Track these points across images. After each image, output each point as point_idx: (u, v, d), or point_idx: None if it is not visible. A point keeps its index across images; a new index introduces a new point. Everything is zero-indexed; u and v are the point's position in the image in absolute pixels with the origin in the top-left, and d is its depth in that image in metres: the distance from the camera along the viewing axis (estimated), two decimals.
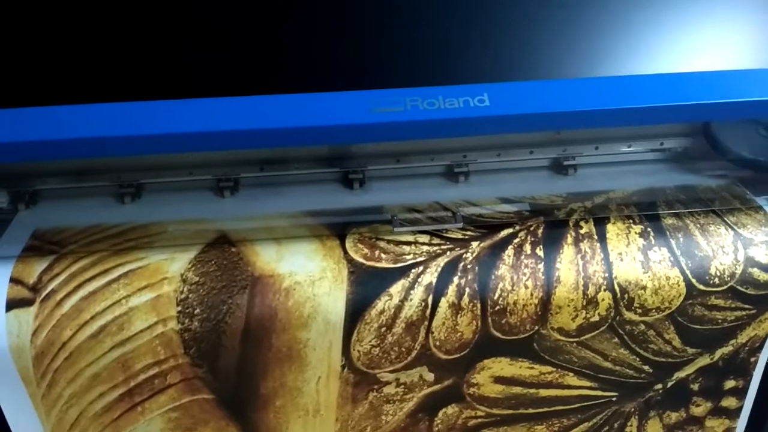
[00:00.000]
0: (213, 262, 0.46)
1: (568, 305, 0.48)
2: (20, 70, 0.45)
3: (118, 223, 0.49)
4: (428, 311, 0.47)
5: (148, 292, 0.44)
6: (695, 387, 0.55)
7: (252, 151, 0.53)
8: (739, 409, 0.57)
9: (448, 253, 0.47)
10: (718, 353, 0.53)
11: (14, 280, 0.44)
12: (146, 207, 0.51)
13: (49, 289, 0.44)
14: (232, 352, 0.45)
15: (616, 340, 0.51)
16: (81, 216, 0.50)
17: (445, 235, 0.48)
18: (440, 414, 0.52)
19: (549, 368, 0.51)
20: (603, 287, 0.48)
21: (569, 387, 0.52)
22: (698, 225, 0.51)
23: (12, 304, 0.44)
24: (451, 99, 0.45)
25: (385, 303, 0.46)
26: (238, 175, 0.52)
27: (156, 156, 0.51)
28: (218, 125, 0.43)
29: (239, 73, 0.46)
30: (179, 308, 0.44)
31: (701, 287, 0.49)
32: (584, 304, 0.48)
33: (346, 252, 0.47)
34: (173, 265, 0.45)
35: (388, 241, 0.48)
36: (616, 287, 0.48)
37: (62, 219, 0.49)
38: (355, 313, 0.46)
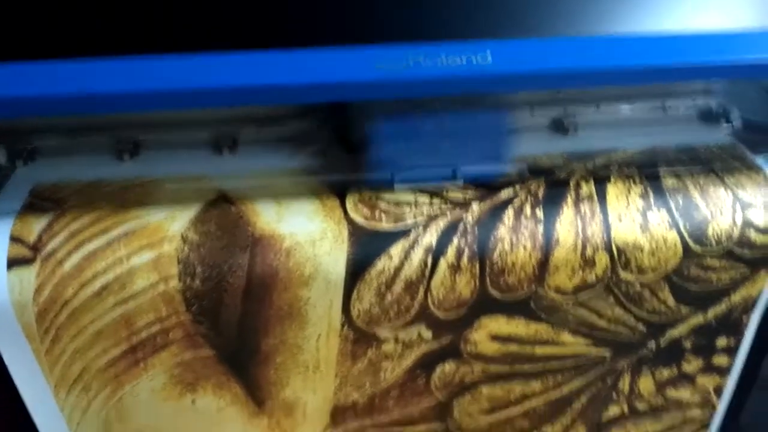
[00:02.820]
0: (213, 222, 0.47)
1: (566, 266, 0.50)
2: (16, 23, 0.44)
3: (116, 179, 0.50)
4: (427, 271, 0.48)
5: (148, 251, 0.45)
6: (688, 345, 0.57)
7: (251, 108, 0.53)
8: (730, 366, 0.59)
9: (448, 214, 0.48)
10: (711, 312, 0.55)
11: (14, 239, 0.45)
12: (145, 163, 0.52)
13: (49, 247, 0.45)
14: (233, 310, 0.47)
15: (612, 299, 0.52)
16: (80, 172, 0.50)
17: (445, 196, 0.49)
18: (438, 371, 0.54)
19: (545, 326, 0.53)
20: (601, 248, 0.49)
21: (564, 344, 0.54)
22: (698, 186, 0.52)
23: (13, 263, 0.45)
24: (454, 56, 0.45)
25: (384, 263, 0.47)
26: (237, 132, 0.53)
27: (155, 112, 0.51)
28: (219, 81, 0.43)
29: (241, 27, 0.46)
30: (180, 267, 0.46)
31: (698, 249, 0.51)
32: (581, 264, 0.50)
33: (346, 213, 0.48)
34: (173, 225, 0.46)
35: (389, 202, 0.49)
36: (614, 248, 0.50)
37: (61, 175, 0.50)
38: (356, 272, 0.47)
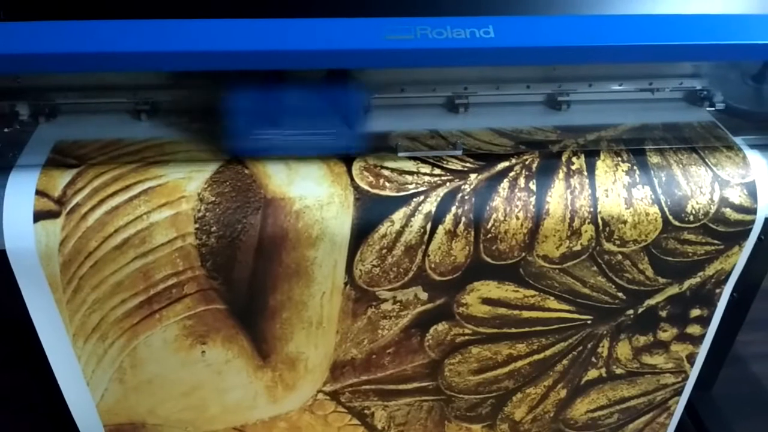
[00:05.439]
0: (228, 183, 0.52)
1: (554, 235, 0.55)
2: None
3: (134, 139, 0.54)
4: (426, 237, 0.54)
5: (167, 209, 0.50)
6: (663, 314, 0.63)
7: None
8: (703, 336, 0.65)
9: (447, 183, 0.54)
10: (687, 284, 0.61)
11: (39, 193, 0.50)
12: (161, 124, 0.56)
13: (73, 202, 0.50)
14: (245, 267, 0.52)
15: (595, 268, 0.58)
16: (99, 130, 0.55)
17: (445, 166, 0.55)
18: (431, 330, 0.60)
19: (532, 292, 0.59)
20: (587, 221, 0.55)
21: (549, 310, 0.60)
22: (681, 165, 0.57)
23: (39, 216, 0.49)
24: (459, 29, 0.50)
25: (387, 228, 0.53)
26: None
27: (170, 75, 0.56)
28: (238, 45, 0.47)
29: None
30: (197, 225, 0.51)
31: (676, 223, 0.57)
32: (568, 234, 0.56)
33: (352, 179, 0.53)
34: (190, 184, 0.51)
35: (392, 170, 0.54)
36: (600, 221, 0.55)
37: (81, 132, 0.54)
38: (360, 236, 0.53)
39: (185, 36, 0.47)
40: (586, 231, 0.56)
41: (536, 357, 0.63)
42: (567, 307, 0.61)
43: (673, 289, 0.61)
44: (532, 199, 0.54)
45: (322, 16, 0.49)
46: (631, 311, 0.62)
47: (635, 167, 0.57)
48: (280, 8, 0.49)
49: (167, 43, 0.47)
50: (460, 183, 0.54)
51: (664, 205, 0.56)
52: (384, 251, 0.54)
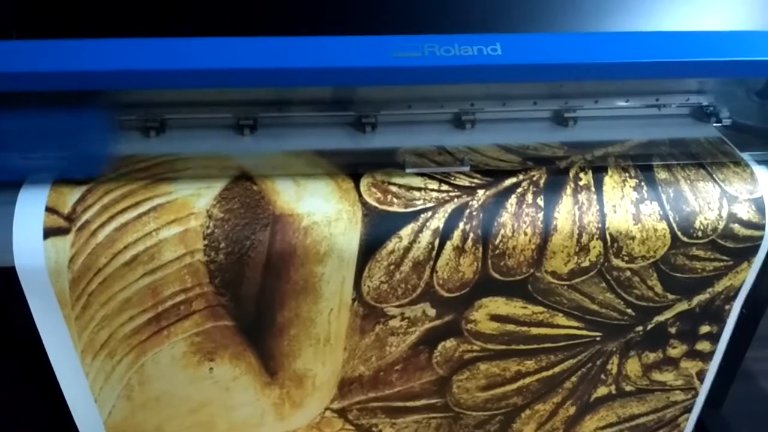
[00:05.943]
0: (236, 200, 0.52)
1: (562, 251, 0.56)
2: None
3: (143, 155, 0.55)
4: (434, 253, 0.54)
5: (176, 226, 0.51)
6: (673, 330, 0.63)
7: (272, 92, 0.58)
8: (712, 352, 0.65)
9: (455, 200, 0.54)
10: (696, 300, 0.61)
11: (49, 210, 0.50)
12: (170, 141, 0.57)
13: (83, 219, 0.50)
14: (253, 283, 0.53)
15: (604, 284, 0.58)
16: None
17: (453, 182, 0.55)
18: (439, 347, 0.60)
19: (541, 308, 0.59)
20: (596, 236, 0.55)
21: (558, 326, 0.60)
22: (689, 181, 0.58)
23: (49, 233, 0.50)
24: (466, 47, 0.50)
25: (395, 244, 0.53)
26: (257, 115, 0.58)
27: (181, 92, 0.56)
28: (246, 63, 0.48)
29: (271, 14, 0.51)
30: (206, 242, 0.51)
31: (685, 239, 0.57)
32: (577, 250, 0.56)
33: (360, 195, 0.53)
34: (199, 201, 0.51)
35: (400, 186, 0.54)
36: (608, 237, 0.56)
37: None
38: (368, 252, 0.53)
39: (194, 54, 0.48)
40: (594, 247, 0.56)
41: (545, 374, 0.63)
42: (576, 324, 0.61)
43: (683, 306, 0.61)
44: (540, 215, 0.55)
45: (330, 33, 0.50)
46: (640, 328, 0.62)
47: (643, 183, 0.57)
48: (287, 26, 0.50)
49: (172, 61, 0.48)
50: (468, 199, 0.54)
51: (672, 220, 0.56)
52: (392, 267, 0.54)
